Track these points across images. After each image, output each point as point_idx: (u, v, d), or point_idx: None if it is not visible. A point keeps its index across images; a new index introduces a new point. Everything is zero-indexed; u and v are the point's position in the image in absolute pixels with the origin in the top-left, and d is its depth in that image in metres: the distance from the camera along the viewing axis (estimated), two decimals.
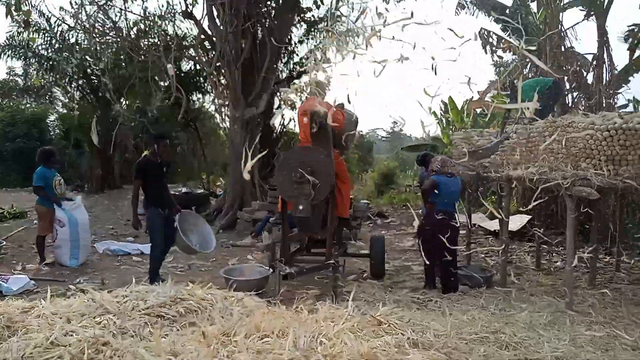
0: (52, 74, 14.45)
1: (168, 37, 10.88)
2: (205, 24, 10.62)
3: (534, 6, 11.53)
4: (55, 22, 12.58)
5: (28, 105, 21.02)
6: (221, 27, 10.19)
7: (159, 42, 9.98)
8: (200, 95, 14.75)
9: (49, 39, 13.22)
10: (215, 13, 9.89)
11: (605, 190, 5.15)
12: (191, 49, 11.55)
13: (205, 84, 13.78)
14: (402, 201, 15.17)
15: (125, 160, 18.08)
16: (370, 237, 6.88)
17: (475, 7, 12.03)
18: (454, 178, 5.70)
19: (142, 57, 9.98)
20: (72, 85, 15.36)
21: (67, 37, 12.73)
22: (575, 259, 5.02)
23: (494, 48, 11.33)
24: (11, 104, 20.46)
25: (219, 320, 3.68)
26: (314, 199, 5.15)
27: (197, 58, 11.42)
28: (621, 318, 5.11)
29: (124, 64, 12.48)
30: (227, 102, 10.96)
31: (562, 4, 10.59)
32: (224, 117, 12.04)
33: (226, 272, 5.76)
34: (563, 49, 10.59)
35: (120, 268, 6.86)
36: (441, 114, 16.06)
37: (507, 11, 11.52)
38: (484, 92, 11.23)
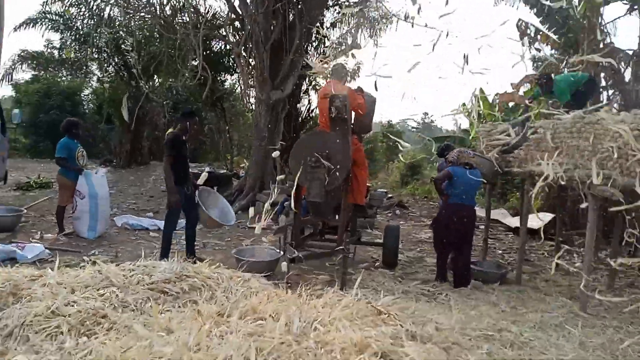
0: (85, 47, 14.65)
1: (199, 15, 10.88)
2: (237, 3, 10.61)
3: None
4: None
5: (64, 78, 21.45)
6: (251, 7, 10.15)
7: (189, 20, 9.97)
8: (228, 76, 14.80)
9: (83, 12, 13.39)
10: None
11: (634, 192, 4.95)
12: (222, 29, 11.53)
13: (234, 65, 13.80)
14: (425, 193, 14.99)
15: (155, 137, 18.33)
16: (385, 227, 6.81)
17: None
18: (472, 170, 5.56)
19: (173, 34, 9.99)
20: (106, 60, 15.55)
21: (102, 11, 12.88)
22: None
23: (531, 40, 10.97)
24: (47, 76, 20.88)
25: (220, 299, 3.69)
26: (328, 185, 5.11)
27: (226, 38, 11.41)
28: (638, 324, 4.94)
29: (156, 41, 12.59)
30: (254, 84, 10.95)
31: None
32: (250, 98, 12.04)
33: (237, 253, 5.79)
34: (602, 45, 10.18)
35: (135, 242, 6.96)
36: (471, 106, 15.74)
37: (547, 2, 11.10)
38: (518, 85, 10.95)
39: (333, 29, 13.75)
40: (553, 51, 12.60)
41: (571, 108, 6.87)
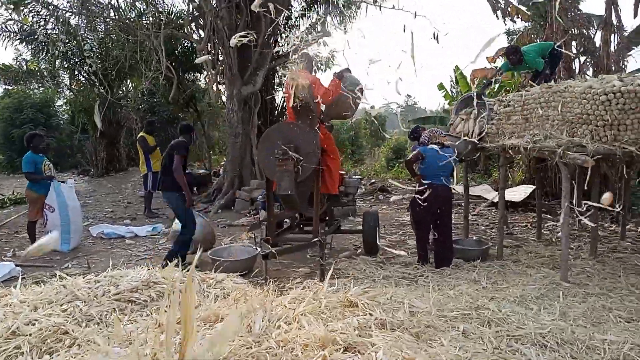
0: (47, 56, 14.30)
1: (160, 15, 10.62)
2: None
3: None
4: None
5: (35, 90, 20.98)
6: (214, 3, 9.92)
7: (148, 22, 9.73)
8: (198, 74, 14.52)
9: (44, 20, 13.00)
10: None
11: (604, 157, 4.91)
12: (184, 28, 11.26)
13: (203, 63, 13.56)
14: (408, 175, 14.94)
15: (132, 142, 18.03)
16: (363, 213, 6.71)
17: None
18: (445, 149, 5.48)
19: (132, 37, 9.74)
20: (74, 68, 15.19)
21: (62, 19, 12.52)
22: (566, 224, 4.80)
23: (504, 13, 10.88)
24: (18, 89, 20.40)
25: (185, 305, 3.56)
26: (298, 176, 5.01)
27: (190, 36, 11.13)
28: (619, 289, 4.91)
29: (120, 45, 12.28)
30: (222, 80, 10.74)
31: None
32: (219, 96, 11.81)
33: (213, 253, 5.66)
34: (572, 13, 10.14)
35: (110, 252, 6.80)
36: (451, 85, 15.69)
37: None
38: (493, 58, 10.91)
39: (302, 19, 13.55)
40: (525, 23, 12.57)
41: (540, 76, 6.82)
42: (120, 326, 2.99)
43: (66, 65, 15.37)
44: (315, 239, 5.12)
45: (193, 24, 10.68)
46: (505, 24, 11.64)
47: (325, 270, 5.22)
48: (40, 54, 14.83)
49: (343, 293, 3.23)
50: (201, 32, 10.61)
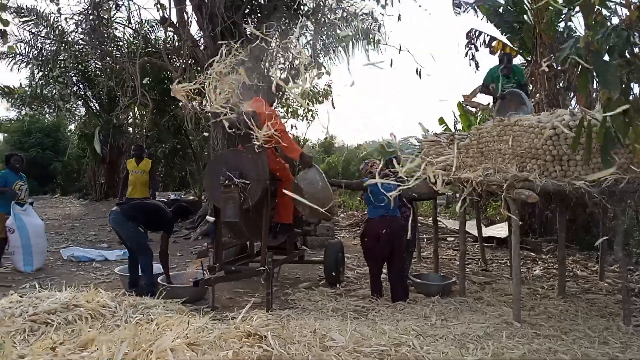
0: (54, 82, 14.67)
1: (137, 42, 10.73)
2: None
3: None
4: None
5: (46, 115, 21.49)
6: (198, 32, 10.03)
7: (123, 50, 9.92)
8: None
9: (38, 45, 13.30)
10: (194, 18, 9.75)
11: (555, 193, 4.77)
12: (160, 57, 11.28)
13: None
14: None
15: None
16: (326, 243, 6.60)
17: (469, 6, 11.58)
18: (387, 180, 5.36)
19: (111, 65, 9.92)
20: (72, 95, 15.54)
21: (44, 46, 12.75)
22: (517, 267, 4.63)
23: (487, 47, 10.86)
24: (29, 113, 20.91)
25: (100, 329, 3.50)
26: (244, 203, 4.95)
27: (166, 64, 11.10)
28: (575, 331, 4.67)
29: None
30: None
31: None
32: (200, 124, 11.85)
33: (163, 279, 5.59)
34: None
35: (74, 274, 6.78)
36: (454, 121, 15.65)
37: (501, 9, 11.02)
38: (470, 96, 10.86)
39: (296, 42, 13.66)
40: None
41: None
42: (10, 348, 2.92)
43: (66, 92, 15.75)
44: (259, 268, 5.02)
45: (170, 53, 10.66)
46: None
47: (270, 301, 5.11)
48: (45, 79, 15.23)
49: (244, 324, 3.12)
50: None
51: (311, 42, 11.41)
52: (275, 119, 5.45)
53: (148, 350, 2.54)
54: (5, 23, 7.25)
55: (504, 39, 10.50)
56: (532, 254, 8.86)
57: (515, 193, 4.53)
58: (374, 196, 5.23)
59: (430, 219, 9.50)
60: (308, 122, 16.04)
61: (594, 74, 2.81)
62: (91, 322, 3.75)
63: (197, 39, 9.79)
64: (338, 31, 11.65)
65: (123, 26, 10.43)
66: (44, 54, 12.56)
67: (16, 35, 12.74)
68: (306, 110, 15.83)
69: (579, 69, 3.21)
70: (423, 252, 8.72)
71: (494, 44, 10.46)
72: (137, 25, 10.14)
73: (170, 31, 9.89)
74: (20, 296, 4.04)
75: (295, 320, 3.88)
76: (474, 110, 11.70)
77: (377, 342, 3.65)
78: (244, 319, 3.33)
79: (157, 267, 5.62)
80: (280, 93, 12.12)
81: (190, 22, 9.70)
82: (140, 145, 10.09)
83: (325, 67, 12.50)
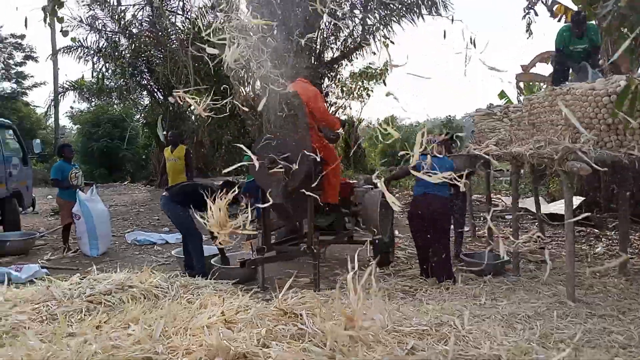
0: (117, 72, 15.32)
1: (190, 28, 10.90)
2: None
3: None
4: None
5: (115, 106, 22.53)
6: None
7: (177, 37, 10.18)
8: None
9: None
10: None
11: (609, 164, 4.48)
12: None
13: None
14: None
15: (201, 154, 18.69)
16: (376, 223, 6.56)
17: None
18: (440, 159, 5.24)
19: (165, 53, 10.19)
20: (134, 83, 16.16)
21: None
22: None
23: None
24: (98, 104, 21.99)
25: (149, 308, 3.69)
26: (288, 185, 5.03)
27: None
28: (635, 311, 4.43)
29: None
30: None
31: None
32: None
33: (217, 261, 5.79)
34: None
35: (137, 257, 7.16)
36: (518, 94, 15.01)
37: None
38: (529, 67, 10.30)
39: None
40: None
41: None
42: (65, 325, 3.15)
43: (132, 82, 16.42)
44: (303, 248, 5.11)
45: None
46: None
47: (318, 281, 5.19)
48: (108, 69, 15.95)
49: (280, 303, 3.19)
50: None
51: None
52: (319, 99, 5.44)
53: (185, 326, 2.66)
54: (60, 5, 7.46)
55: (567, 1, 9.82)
56: (596, 230, 8.41)
57: (567, 166, 4.30)
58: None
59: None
60: (363, 102, 15.87)
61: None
62: (144, 302, 3.95)
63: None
64: None
65: (176, 14, 10.70)
66: (106, 45, 13.13)
67: (82, 24, 13.30)
68: (361, 89, 15.63)
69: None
70: (479, 230, 8.50)
71: (555, 7, 9.81)
72: (188, 12, 10.36)
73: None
74: (81, 278, 4.32)
75: (338, 300, 3.91)
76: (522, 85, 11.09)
77: (419, 321, 3.63)
78: (285, 298, 3.39)
79: (214, 249, 5.84)
80: (331, 71, 12.05)
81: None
82: (176, 133, 10.15)
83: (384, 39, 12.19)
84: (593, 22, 6.27)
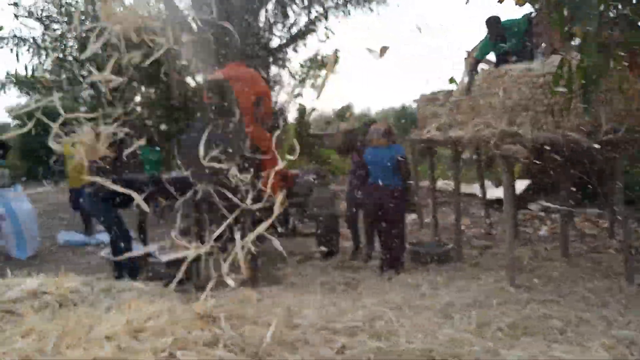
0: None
1: None
2: None
3: None
4: None
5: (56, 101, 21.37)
6: None
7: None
8: None
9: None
10: None
11: (547, 146, 4.41)
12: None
13: None
14: None
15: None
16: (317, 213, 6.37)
17: None
18: (383, 148, 5.07)
19: None
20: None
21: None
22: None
23: None
24: (35, 100, 20.89)
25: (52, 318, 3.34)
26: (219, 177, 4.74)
27: None
28: (574, 294, 4.40)
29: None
30: None
31: None
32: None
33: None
34: None
35: (65, 260, 6.70)
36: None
37: None
38: (472, 52, 10.28)
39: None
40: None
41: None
42: None
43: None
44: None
45: None
46: None
47: (256, 277, 4.95)
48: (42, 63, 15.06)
49: (198, 306, 2.92)
50: None
51: None
52: (257, 84, 5.17)
53: (84, 338, 2.37)
54: None
55: None
56: (542, 213, 8.51)
57: (504, 149, 4.20)
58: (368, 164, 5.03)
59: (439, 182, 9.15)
60: (315, 90, 15.65)
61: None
62: (59, 310, 3.59)
63: None
64: None
65: None
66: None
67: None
68: (313, 77, 15.40)
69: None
70: (426, 219, 8.43)
71: None
72: None
73: None
74: None
75: (273, 297, 3.69)
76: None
77: (352, 317, 3.43)
78: (205, 299, 3.12)
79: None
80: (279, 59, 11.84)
81: None
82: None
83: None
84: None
